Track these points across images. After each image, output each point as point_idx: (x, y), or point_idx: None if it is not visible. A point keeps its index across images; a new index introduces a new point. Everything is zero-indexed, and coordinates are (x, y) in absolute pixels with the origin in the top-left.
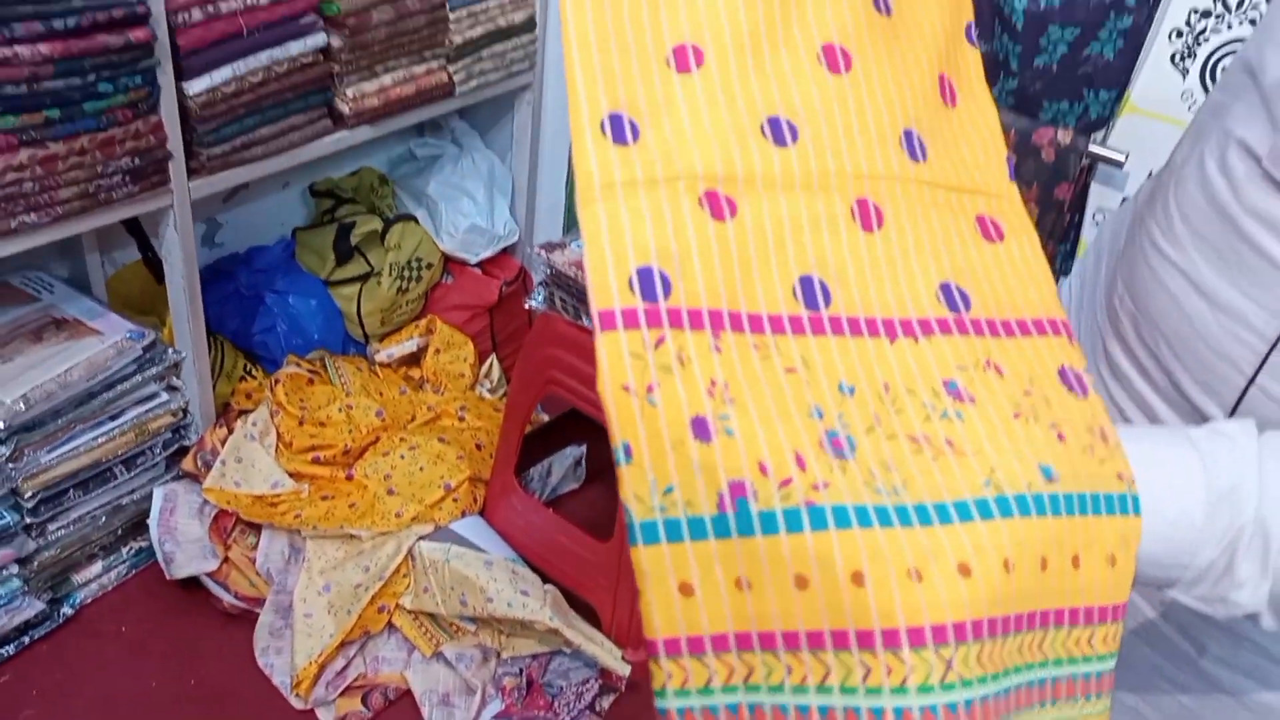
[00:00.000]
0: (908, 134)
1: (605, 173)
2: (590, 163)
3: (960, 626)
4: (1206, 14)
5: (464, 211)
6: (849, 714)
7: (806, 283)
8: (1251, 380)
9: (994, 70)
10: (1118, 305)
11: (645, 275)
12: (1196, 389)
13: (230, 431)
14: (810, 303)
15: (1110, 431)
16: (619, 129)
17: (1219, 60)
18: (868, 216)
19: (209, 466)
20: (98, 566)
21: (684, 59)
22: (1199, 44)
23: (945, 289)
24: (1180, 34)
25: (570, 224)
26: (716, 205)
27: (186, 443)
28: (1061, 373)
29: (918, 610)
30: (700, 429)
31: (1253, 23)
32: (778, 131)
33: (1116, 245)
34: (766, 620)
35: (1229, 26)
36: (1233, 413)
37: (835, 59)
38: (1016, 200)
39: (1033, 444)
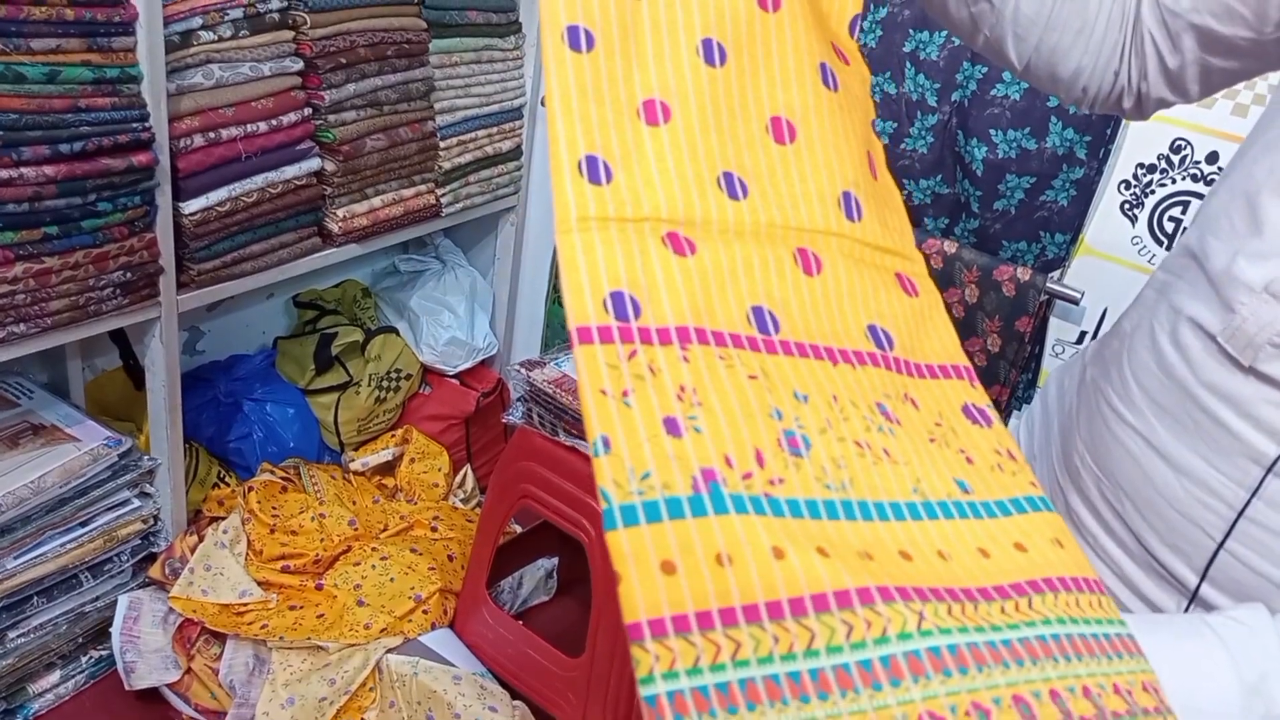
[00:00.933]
0: (846, 195)
1: (581, 207)
2: (568, 197)
3: (919, 590)
4: (1152, 169)
5: (444, 325)
6: (839, 671)
7: (758, 311)
8: (1221, 544)
9: (956, 211)
10: (1079, 465)
11: (618, 298)
12: (1165, 549)
13: (200, 539)
14: (762, 328)
15: (1017, 452)
16: (594, 170)
17: (1165, 210)
18: (808, 263)
19: (177, 574)
20: (55, 675)
21: (653, 112)
22: (1147, 195)
23: (872, 329)
24: (1129, 185)
25: (550, 340)
26: (678, 244)
27: (155, 549)
28: (965, 409)
29: (883, 574)
30: (672, 427)
31: (1194, 178)
32: (731, 185)
33: (1064, 404)
34: (750, 593)
35: (1173, 181)
36: (1204, 574)
37: (781, 131)
38: (924, 266)
39: (948, 464)
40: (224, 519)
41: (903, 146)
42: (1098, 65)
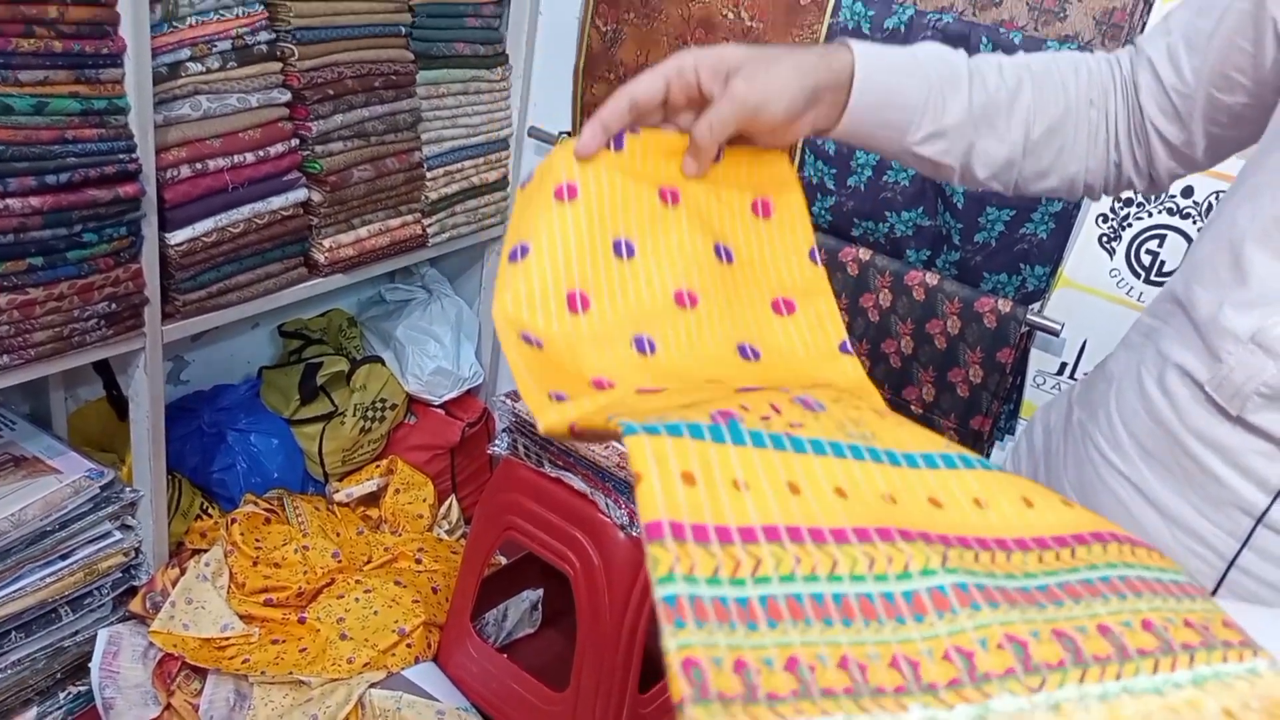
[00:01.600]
0: (741, 347)
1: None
2: (512, 347)
3: (944, 536)
4: (1129, 202)
5: (430, 354)
6: (862, 600)
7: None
8: (1212, 594)
9: (938, 243)
10: None
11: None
12: None
13: (182, 572)
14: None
15: None
16: (529, 340)
17: (1142, 243)
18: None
19: (158, 608)
20: (32, 713)
21: (574, 303)
22: (1124, 228)
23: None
24: (1106, 218)
25: None
26: (600, 385)
27: (136, 583)
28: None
29: (906, 517)
30: (672, 421)
31: (1169, 211)
32: (640, 344)
33: (1050, 447)
34: (768, 515)
35: (1150, 214)
36: None
37: (683, 300)
38: (850, 377)
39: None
40: (206, 551)
41: (885, 179)
42: (1090, 167)
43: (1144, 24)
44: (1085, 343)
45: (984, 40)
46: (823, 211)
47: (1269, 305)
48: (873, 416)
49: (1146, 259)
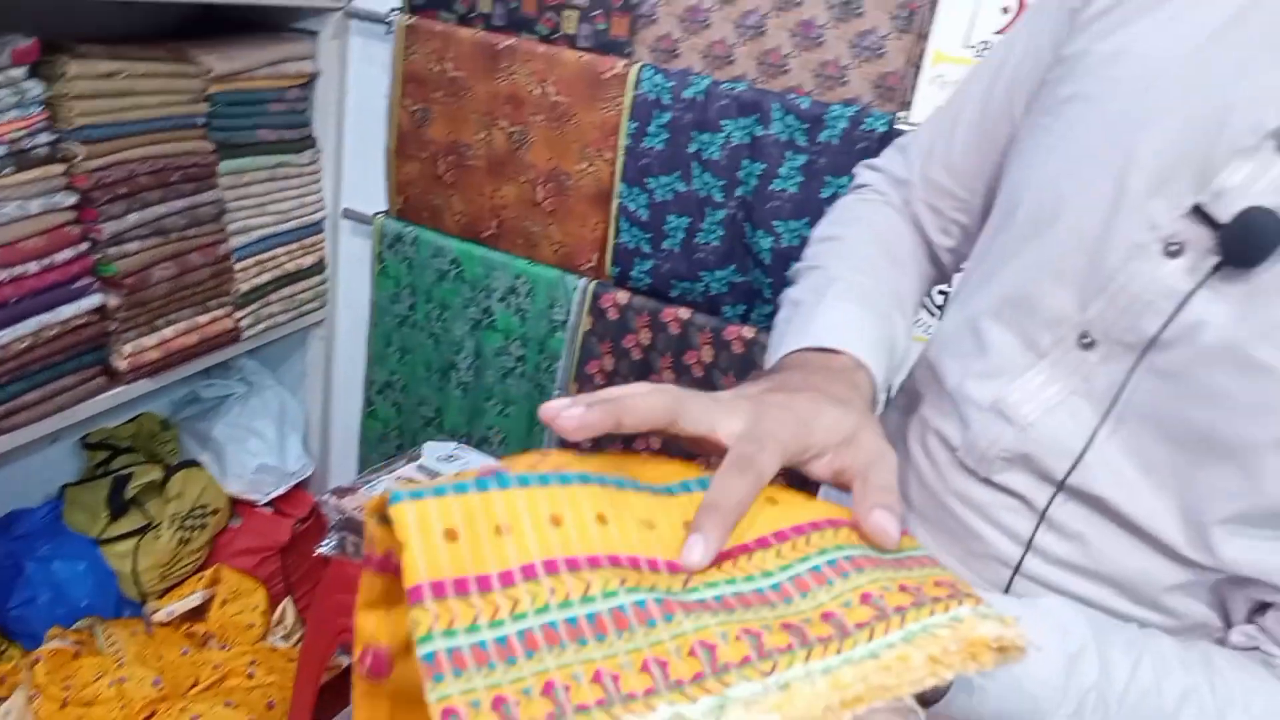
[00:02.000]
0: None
1: None
2: None
3: (724, 552)
4: None
5: (253, 451)
6: (615, 612)
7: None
8: None
9: (751, 298)
10: None
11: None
12: None
13: None
14: None
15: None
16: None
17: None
18: None
19: None
20: None
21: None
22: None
23: None
24: None
25: (366, 454)
26: None
27: None
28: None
29: (660, 544)
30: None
31: None
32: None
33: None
34: (526, 554)
35: None
36: None
37: None
38: None
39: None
40: (5, 700)
41: (696, 240)
42: (933, 280)
43: (914, 86)
44: (893, 386)
45: (775, 106)
46: (641, 274)
47: (1005, 376)
48: (635, 462)
49: (940, 298)
